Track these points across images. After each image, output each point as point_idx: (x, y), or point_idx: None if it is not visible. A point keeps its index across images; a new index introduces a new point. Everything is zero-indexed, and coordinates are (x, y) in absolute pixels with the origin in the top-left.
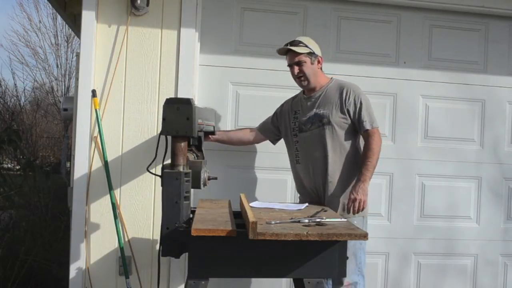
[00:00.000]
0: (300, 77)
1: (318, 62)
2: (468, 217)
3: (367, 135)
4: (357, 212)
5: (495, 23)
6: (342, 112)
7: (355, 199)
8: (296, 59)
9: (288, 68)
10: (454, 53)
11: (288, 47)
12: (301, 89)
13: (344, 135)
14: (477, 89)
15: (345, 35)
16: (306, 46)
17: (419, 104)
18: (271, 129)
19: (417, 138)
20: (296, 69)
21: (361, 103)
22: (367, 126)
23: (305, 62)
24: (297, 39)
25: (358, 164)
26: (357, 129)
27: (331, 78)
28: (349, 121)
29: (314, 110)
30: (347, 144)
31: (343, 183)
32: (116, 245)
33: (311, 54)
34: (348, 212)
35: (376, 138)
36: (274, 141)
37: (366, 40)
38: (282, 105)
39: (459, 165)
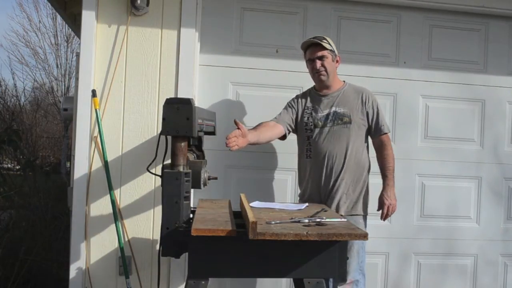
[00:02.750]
0: (321, 72)
1: (337, 61)
2: (468, 217)
3: (383, 139)
4: (389, 217)
5: (495, 23)
6: (363, 113)
7: (390, 204)
8: (320, 54)
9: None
10: (454, 53)
11: (315, 40)
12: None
13: (361, 137)
14: (477, 89)
15: (345, 35)
16: (329, 43)
17: (419, 104)
18: (289, 123)
19: (417, 138)
20: (319, 63)
21: (378, 108)
22: (385, 130)
23: (327, 57)
24: (320, 35)
25: (367, 166)
26: (371, 132)
27: (344, 81)
28: (366, 124)
29: (334, 108)
30: (361, 146)
31: (353, 182)
32: (116, 245)
33: (332, 51)
34: (382, 217)
35: (390, 142)
36: (285, 138)
37: (366, 40)
38: (294, 101)
39: (459, 165)
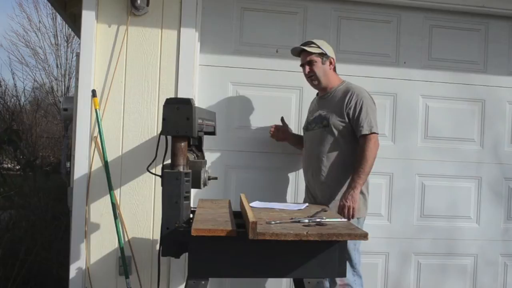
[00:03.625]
0: (311, 77)
1: (330, 63)
2: (468, 217)
3: (363, 140)
4: (345, 218)
5: (495, 23)
6: (342, 115)
7: (344, 206)
8: (308, 59)
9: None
10: (454, 53)
11: (301, 47)
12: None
13: (342, 138)
14: (477, 89)
15: (345, 35)
16: (318, 47)
17: (419, 104)
18: None
19: (417, 138)
20: (307, 68)
21: (361, 108)
22: (364, 131)
23: (315, 62)
24: (310, 40)
25: (350, 169)
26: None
27: (343, 81)
28: (346, 124)
29: (319, 111)
30: (345, 147)
31: (338, 185)
32: (116, 245)
33: (322, 54)
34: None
35: (371, 145)
36: None
37: (366, 40)
38: (309, 106)
39: (459, 165)
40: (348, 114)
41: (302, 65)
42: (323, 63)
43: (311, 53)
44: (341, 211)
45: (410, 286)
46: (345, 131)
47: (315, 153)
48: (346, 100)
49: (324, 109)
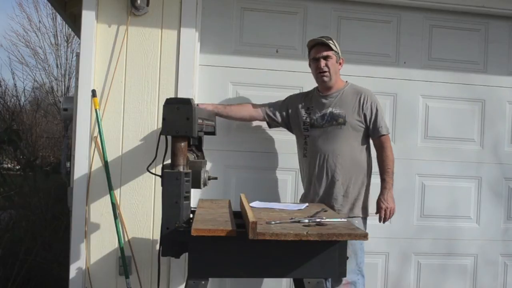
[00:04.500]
0: (324, 72)
1: (340, 64)
2: (468, 217)
3: (382, 141)
4: (387, 220)
5: (495, 23)
6: (359, 115)
7: (386, 208)
8: (325, 53)
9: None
10: (454, 53)
11: (322, 40)
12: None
13: (357, 138)
14: (477, 89)
15: (345, 35)
16: (335, 45)
17: (419, 104)
18: (275, 116)
19: (417, 138)
20: (323, 62)
21: (377, 109)
22: (383, 131)
23: (331, 58)
24: (328, 36)
25: (366, 168)
26: (369, 134)
27: (346, 81)
28: (364, 125)
29: (330, 108)
30: (358, 147)
31: (349, 184)
32: (116, 245)
33: (337, 53)
34: (380, 220)
35: (390, 144)
36: (270, 126)
37: (366, 40)
38: (291, 98)
39: (459, 165)
40: (365, 115)
41: (316, 59)
42: (337, 61)
43: (330, 49)
44: (383, 212)
45: (410, 286)
46: (361, 130)
47: (328, 151)
48: (362, 101)
49: (336, 107)
